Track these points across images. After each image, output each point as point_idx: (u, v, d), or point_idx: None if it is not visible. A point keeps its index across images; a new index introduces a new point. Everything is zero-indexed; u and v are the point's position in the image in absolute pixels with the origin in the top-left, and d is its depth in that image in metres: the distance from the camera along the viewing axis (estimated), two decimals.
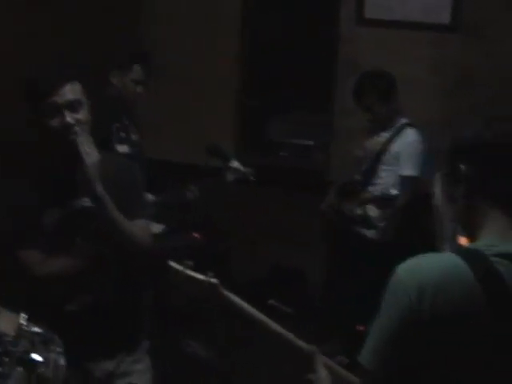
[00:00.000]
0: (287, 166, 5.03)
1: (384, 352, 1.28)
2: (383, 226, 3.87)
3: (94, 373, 2.23)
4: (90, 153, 2.03)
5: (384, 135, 3.97)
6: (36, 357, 1.78)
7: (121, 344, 2.27)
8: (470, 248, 1.35)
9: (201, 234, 3.66)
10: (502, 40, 4.40)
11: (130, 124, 3.61)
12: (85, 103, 2.10)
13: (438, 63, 4.54)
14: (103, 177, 2.06)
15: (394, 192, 3.89)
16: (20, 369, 1.75)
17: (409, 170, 3.86)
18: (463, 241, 2.27)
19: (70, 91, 2.05)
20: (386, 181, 3.94)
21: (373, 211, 3.91)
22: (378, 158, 3.96)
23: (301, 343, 1.81)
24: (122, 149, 3.47)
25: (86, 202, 2.12)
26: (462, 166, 1.37)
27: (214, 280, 1.85)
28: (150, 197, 3.23)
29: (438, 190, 2.42)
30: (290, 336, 1.83)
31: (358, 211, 3.95)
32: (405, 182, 3.86)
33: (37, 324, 1.84)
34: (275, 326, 1.83)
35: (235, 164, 3.39)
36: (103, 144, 2.31)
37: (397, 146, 3.91)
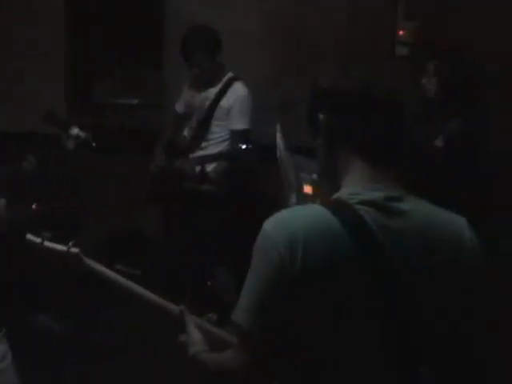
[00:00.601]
0: (114, 127, 4.91)
1: (259, 310, 1.26)
2: (218, 180, 3.90)
3: None
4: None
5: (212, 90, 3.98)
6: None
7: None
8: (335, 198, 1.33)
9: (41, 205, 3.51)
10: None
11: None
12: None
13: (266, 17, 4.61)
14: None
15: (226, 146, 3.93)
16: None
17: (240, 124, 3.90)
18: (308, 189, 2.37)
19: None
20: (218, 136, 3.96)
21: (209, 166, 3.93)
22: (208, 113, 3.97)
23: (169, 304, 1.74)
24: None
25: None
26: (321, 115, 1.35)
27: (75, 249, 1.78)
28: None
29: (279, 141, 2.51)
30: (157, 298, 1.76)
31: (193, 167, 3.95)
32: (236, 135, 3.89)
33: None
34: (141, 290, 1.77)
35: (75, 131, 3.29)
36: None
37: (226, 100, 3.93)
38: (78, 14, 4.85)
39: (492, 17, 3.34)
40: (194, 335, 1.60)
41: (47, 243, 1.79)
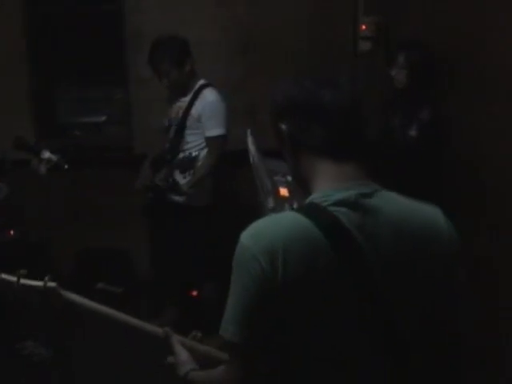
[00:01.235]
0: (81, 145, 4.88)
1: (247, 323, 1.26)
2: (191, 190, 3.87)
3: None
4: None
5: (184, 100, 3.96)
6: None
7: None
8: (308, 203, 1.34)
9: (15, 229, 3.48)
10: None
11: None
12: None
13: (228, 23, 4.64)
14: None
15: (195, 154, 3.91)
16: None
17: (213, 130, 3.88)
18: (284, 192, 2.36)
19: None
20: (193, 145, 3.94)
21: (178, 177, 3.92)
22: (182, 123, 3.95)
23: (153, 328, 1.75)
24: None
25: None
26: (282, 126, 1.39)
27: (51, 284, 1.77)
28: None
29: (251, 147, 2.49)
30: (140, 323, 1.76)
31: (168, 179, 3.93)
32: (211, 142, 3.88)
33: None
34: (123, 316, 1.76)
35: (46, 155, 3.28)
36: None
37: (195, 108, 3.91)
38: (39, 37, 4.80)
39: (451, 6, 3.37)
40: (182, 355, 1.61)
41: (23, 281, 1.76)
